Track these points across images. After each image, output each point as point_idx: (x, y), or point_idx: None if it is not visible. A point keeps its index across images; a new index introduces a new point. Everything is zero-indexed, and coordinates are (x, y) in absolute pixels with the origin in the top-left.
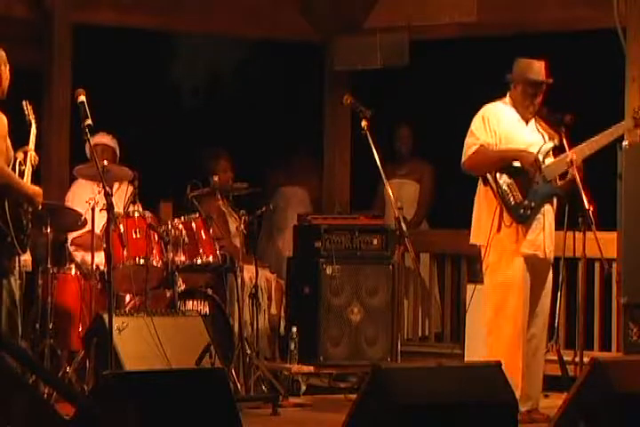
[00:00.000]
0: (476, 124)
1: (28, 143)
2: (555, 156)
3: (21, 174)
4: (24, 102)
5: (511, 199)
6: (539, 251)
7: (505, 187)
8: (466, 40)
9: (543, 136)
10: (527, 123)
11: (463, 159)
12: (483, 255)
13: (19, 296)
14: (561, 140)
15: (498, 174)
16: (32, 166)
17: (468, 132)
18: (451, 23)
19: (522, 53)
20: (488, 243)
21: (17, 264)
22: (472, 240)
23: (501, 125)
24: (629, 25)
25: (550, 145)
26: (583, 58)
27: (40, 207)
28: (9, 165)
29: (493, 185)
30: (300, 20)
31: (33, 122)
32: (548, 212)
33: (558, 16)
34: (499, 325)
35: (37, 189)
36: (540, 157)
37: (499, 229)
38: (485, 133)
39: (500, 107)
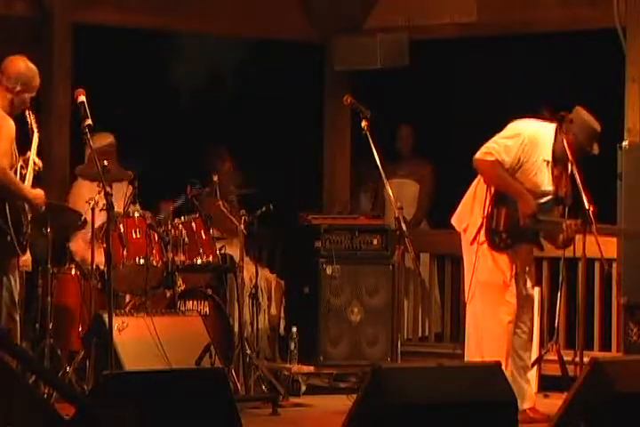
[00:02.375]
0: (510, 143)
1: (29, 151)
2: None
3: (22, 178)
4: (27, 112)
5: (493, 223)
6: (506, 277)
7: (495, 211)
8: (466, 40)
9: (561, 188)
10: (556, 163)
11: (476, 156)
12: (466, 261)
13: (18, 296)
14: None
15: (498, 195)
16: (35, 171)
17: (498, 140)
18: (451, 23)
19: (521, 53)
20: (476, 255)
21: (17, 264)
22: (452, 221)
23: (530, 159)
24: (629, 25)
25: (557, 202)
26: (583, 58)
27: (42, 209)
28: (11, 169)
29: (490, 199)
30: (300, 20)
31: (35, 131)
32: (524, 255)
33: (558, 16)
34: (484, 325)
35: (38, 193)
36: (544, 202)
37: (471, 243)
38: (510, 156)
39: (542, 138)
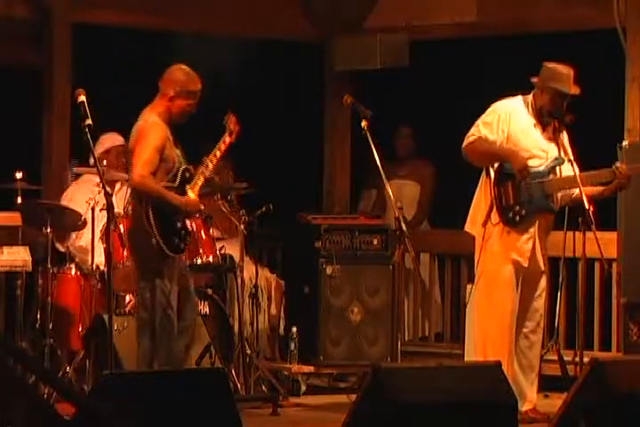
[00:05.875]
0: (487, 119)
1: (212, 151)
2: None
3: (185, 180)
4: (228, 114)
5: (503, 200)
6: (523, 259)
7: (501, 188)
8: (465, 40)
9: (558, 149)
10: (544, 129)
11: (463, 145)
12: (476, 256)
13: (173, 299)
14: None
15: (498, 173)
16: (204, 175)
17: (476, 122)
18: (450, 23)
19: (521, 53)
20: (481, 244)
21: (174, 267)
22: (466, 228)
23: (512, 126)
24: (629, 25)
25: (557, 162)
26: (583, 58)
27: (196, 215)
28: (171, 173)
29: (492, 180)
30: (300, 20)
31: (227, 135)
32: (542, 226)
33: (558, 16)
34: (486, 323)
35: (185, 200)
36: (542, 168)
37: (484, 224)
38: (491, 130)
39: (516, 106)
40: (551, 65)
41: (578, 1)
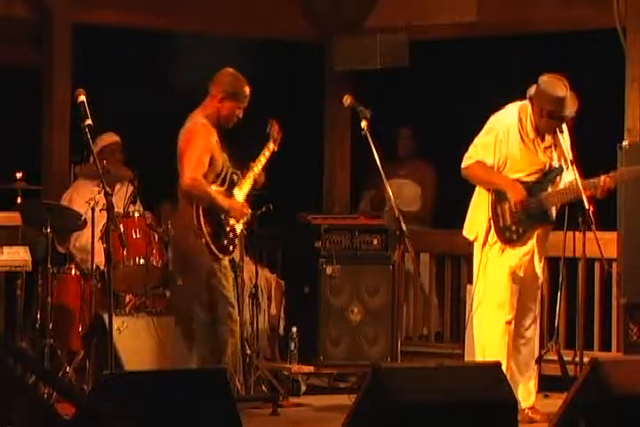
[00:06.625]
0: (485, 140)
1: (257, 157)
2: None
3: (233, 183)
4: (270, 121)
5: (500, 221)
6: (521, 271)
7: (498, 208)
8: (465, 40)
9: (558, 154)
10: (543, 138)
11: (462, 165)
12: (476, 262)
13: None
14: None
15: (496, 191)
16: (253, 181)
17: (476, 140)
18: (450, 23)
19: (521, 53)
20: (481, 251)
21: (226, 267)
22: (464, 232)
23: (510, 145)
24: (629, 25)
25: (555, 173)
26: (583, 58)
27: (241, 219)
28: (220, 175)
29: (490, 199)
30: (300, 20)
31: (271, 142)
32: (541, 236)
33: (558, 16)
34: (486, 326)
35: (234, 204)
36: (540, 181)
37: (483, 245)
38: (489, 153)
39: (514, 120)
40: (545, 89)
41: (578, 1)
